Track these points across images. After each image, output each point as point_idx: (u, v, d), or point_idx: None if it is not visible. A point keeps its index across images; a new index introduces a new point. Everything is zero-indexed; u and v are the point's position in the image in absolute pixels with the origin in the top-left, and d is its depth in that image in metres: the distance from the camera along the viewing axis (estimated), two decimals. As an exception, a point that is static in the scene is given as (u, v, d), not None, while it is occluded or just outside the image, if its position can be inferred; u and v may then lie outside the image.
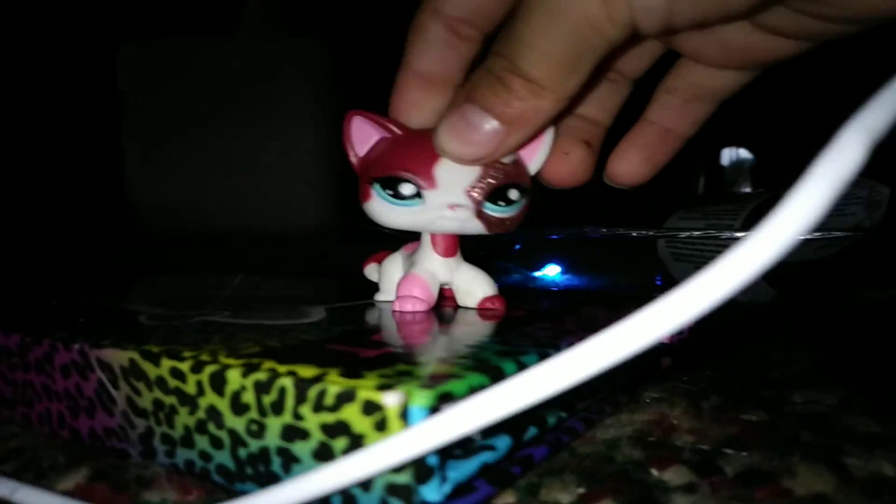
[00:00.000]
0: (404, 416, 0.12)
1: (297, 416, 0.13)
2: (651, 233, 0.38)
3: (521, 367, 0.15)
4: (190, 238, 0.63)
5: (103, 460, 0.16)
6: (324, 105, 0.64)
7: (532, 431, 0.16)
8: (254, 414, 0.14)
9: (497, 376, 0.14)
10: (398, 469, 0.12)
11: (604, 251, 0.42)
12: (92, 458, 0.17)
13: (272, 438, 0.13)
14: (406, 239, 0.23)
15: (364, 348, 0.16)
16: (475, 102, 0.18)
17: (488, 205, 0.20)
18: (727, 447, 0.17)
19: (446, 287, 0.23)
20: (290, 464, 0.13)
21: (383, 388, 0.12)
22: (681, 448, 0.17)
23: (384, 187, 0.20)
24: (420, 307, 0.21)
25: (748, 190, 0.70)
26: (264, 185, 0.64)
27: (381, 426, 0.12)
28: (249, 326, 0.18)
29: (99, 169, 0.70)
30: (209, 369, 0.14)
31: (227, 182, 0.64)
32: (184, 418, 0.15)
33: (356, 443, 0.12)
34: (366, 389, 0.12)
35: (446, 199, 0.20)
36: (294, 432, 0.13)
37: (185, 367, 0.14)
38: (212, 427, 0.14)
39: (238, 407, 0.14)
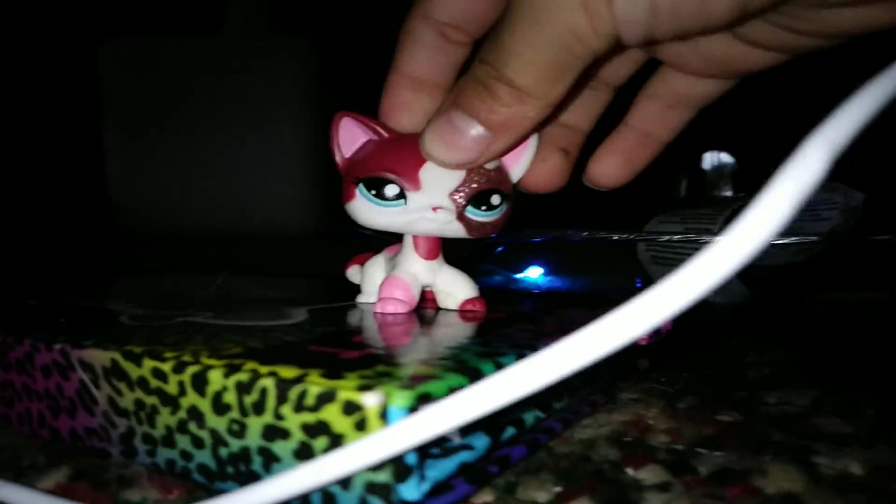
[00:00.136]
0: (384, 416, 0.12)
1: (278, 416, 0.13)
2: (631, 236, 0.38)
3: (500, 367, 0.15)
4: (172, 238, 0.62)
5: (84, 460, 0.16)
6: (308, 104, 0.63)
7: (510, 431, 0.16)
8: (235, 414, 0.14)
9: (476, 377, 0.14)
10: (377, 468, 0.12)
11: (585, 254, 0.43)
12: (72, 457, 0.17)
13: (253, 438, 0.14)
14: (389, 241, 0.23)
15: (345, 350, 0.16)
16: (461, 108, 0.19)
17: (470, 209, 0.21)
18: (701, 447, 0.18)
19: (428, 289, 0.23)
20: (271, 463, 0.13)
21: (363, 388, 0.13)
22: (656, 448, 0.17)
23: (368, 188, 0.20)
24: (401, 309, 0.21)
25: (729, 194, 0.71)
26: (247, 185, 0.64)
27: (361, 426, 0.12)
28: (231, 327, 0.19)
29: (80, 167, 0.70)
30: (191, 370, 0.14)
31: (209, 181, 0.64)
32: (165, 418, 0.15)
33: (336, 442, 0.13)
34: (346, 390, 0.13)
35: (429, 202, 0.20)
36: (275, 432, 0.13)
37: (166, 367, 0.15)
38: (193, 427, 0.14)
39: (219, 407, 0.14)
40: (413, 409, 0.12)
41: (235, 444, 0.14)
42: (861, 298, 0.40)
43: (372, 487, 0.13)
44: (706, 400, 0.21)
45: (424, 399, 0.13)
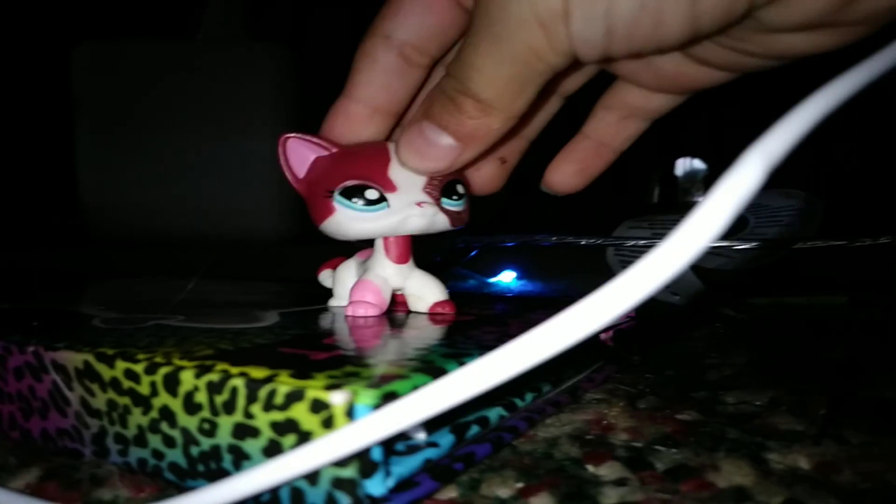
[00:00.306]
0: (350, 414, 0.13)
1: (248, 415, 0.14)
2: (599, 241, 0.39)
3: (464, 368, 0.15)
4: (144, 241, 0.62)
5: (55, 460, 0.17)
6: (282, 110, 0.64)
7: (474, 430, 0.17)
8: (206, 413, 0.14)
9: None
10: (343, 464, 0.13)
11: (556, 258, 0.43)
12: (43, 458, 0.17)
13: (224, 437, 0.14)
14: (360, 246, 0.24)
15: (315, 351, 0.16)
16: (432, 119, 0.19)
17: (445, 200, 0.21)
18: (659, 444, 0.18)
19: (398, 293, 0.23)
20: (241, 461, 0.14)
21: (331, 387, 0.13)
22: (616, 445, 0.18)
23: (347, 197, 0.21)
24: (372, 312, 0.22)
25: (700, 198, 0.73)
26: (220, 190, 0.63)
27: (329, 424, 0.13)
28: (203, 330, 0.19)
29: (53, 171, 0.69)
30: (163, 371, 0.15)
31: (182, 186, 0.64)
32: (137, 418, 0.15)
33: (304, 440, 0.13)
34: (314, 389, 0.13)
35: (411, 198, 0.21)
36: (245, 430, 0.14)
37: (139, 368, 0.15)
38: (165, 426, 0.15)
39: (191, 407, 0.14)
40: (379, 407, 0.13)
41: (206, 443, 0.14)
42: (821, 302, 0.41)
43: (339, 483, 0.13)
44: (667, 400, 0.22)
45: (390, 397, 0.13)
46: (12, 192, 0.70)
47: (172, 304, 0.24)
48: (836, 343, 0.31)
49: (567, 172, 0.24)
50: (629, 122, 0.23)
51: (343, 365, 0.15)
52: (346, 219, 0.21)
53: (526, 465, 0.17)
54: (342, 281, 0.24)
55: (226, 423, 0.14)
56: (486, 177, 0.24)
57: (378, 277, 0.22)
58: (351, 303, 0.22)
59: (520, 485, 0.16)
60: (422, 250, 0.23)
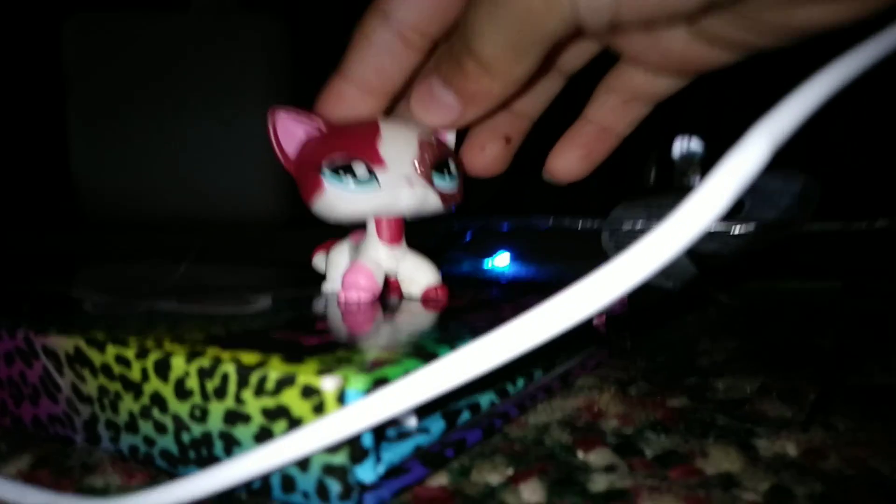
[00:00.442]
0: (341, 399, 0.13)
1: (239, 401, 0.14)
2: (595, 224, 0.39)
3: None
4: (137, 223, 0.62)
5: (47, 447, 0.17)
6: (277, 86, 0.63)
7: (465, 416, 0.17)
8: (197, 399, 0.14)
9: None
10: (334, 450, 0.13)
11: (551, 242, 0.43)
12: (35, 445, 0.17)
13: (215, 423, 0.14)
14: (353, 228, 0.24)
15: (307, 336, 0.16)
16: (439, 75, 0.20)
17: (436, 178, 0.21)
18: (649, 431, 0.18)
19: (392, 276, 0.23)
20: (232, 447, 0.14)
21: (322, 373, 0.13)
22: (606, 432, 0.18)
23: (337, 174, 0.20)
24: (365, 297, 0.22)
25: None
26: (214, 170, 0.63)
27: (320, 409, 0.13)
28: (195, 314, 0.19)
29: (43, 151, 0.68)
30: (154, 356, 0.15)
31: (175, 166, 0.63)
32: (128, 404, 0.15)
33: (295, 426, 0.13)
34: (305, 374, 0.13)
35: (401, 174, 0.20)
36: (236, 416, 0.14)
37: (129, 353, 0.15)
38: (156, 412, 0.15)
39: (182, 392, 0.14)
40: (370, 392, 0.13)
41: (197, 429, 0.14)
42: (814, 288, 0.41)
43: (329, 469, 0.13)
44: (658, 386, 0.22)
45: (382, 383, 0.13)
46: (3, 173, 0.70)
47: (164, 288, 0.23)
48: (827, 329, 0.32)
49: (571, 159, 0.24)
50: (632, 106, 0.23)
51: (335, 350, 0.15)
52: (336, 197, 0.20)
53: (516, 451, 0.17)
54: (335, 264, 0.24)
55: (217, 409, 0.14)
56: (491, 157, 0.24)
57: (370, 261, 0.22)
58: (343, 287, 0.22)
59: (510, 471, 0.16)
60: (415, 233, 0.23)
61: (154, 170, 0.63)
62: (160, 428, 0.15)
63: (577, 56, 0.23)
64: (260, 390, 0.13)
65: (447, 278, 0.23)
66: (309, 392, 0.13)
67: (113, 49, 0.63)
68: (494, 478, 0.16)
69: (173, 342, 0.15)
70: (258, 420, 0.13)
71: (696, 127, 0.73)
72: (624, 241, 0.40)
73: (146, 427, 0.15)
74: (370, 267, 0.22)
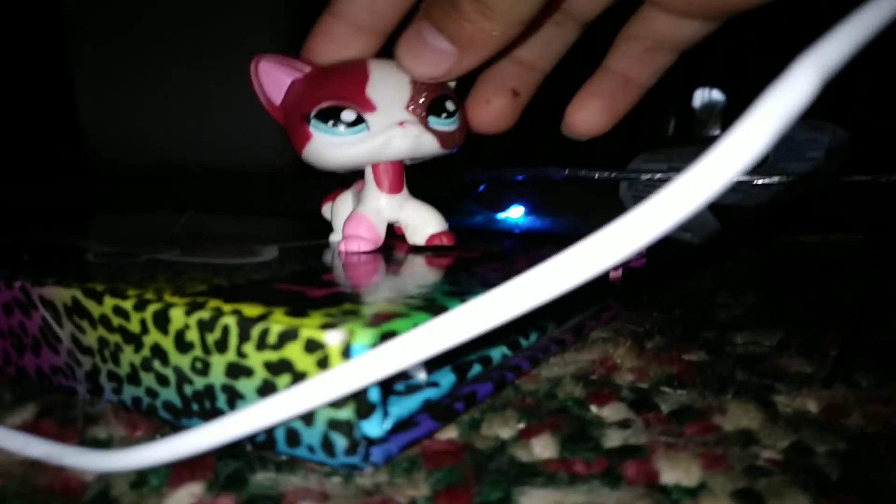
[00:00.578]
0: (346, 354, 0.12)
1: (241, 355, 0.13)
2: (613, 175, 0.38)
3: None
4: (145, 173, 0.61)
5: (51, 398, 0.16)
6: (284, 34, 0.61)
7: (476, 369, 0.16)
8: (198, 352, 0.14)
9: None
10: (340, 404, 0.12)
11: (567, 193, 0.42)
12: (39, 395, 0.17)
13: (217, 376, 0.14)
14: (357, 176, 0.23)
15: (312, 288, 0.16)
16: (430, 21, 0.18)
17: (432, 119, 0.20)
18: (665, 385, 0.18)
19: (396, 224, 0.22)
20: (235, 400, 0.14)
21: (326, 326, 0.13)
22: (620, 386, 0.18)
23: (324, 120, 0.19)
24: (365, 247, 0.21)
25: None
26: (222, 119, 0.62)
27: (324, 364, 0.12)
28: (198, 265, 0.18)
29: (50, 99, 0.67)
30: (152, 308, 0.14)
31: (183, 115, 0.62)
32: (129, 356, 0.15)
33: (299, 380, 0.13)
34: (308, 328, 0.13)
35: (391, 119, 0.19)
36: (238, 370, 0.13)
37: (128, 305, 0.14)
38: (157, 365, 0.14)
39: (182, 345, 0.14)
40: (377, 346, 0.12)
41: (200, 382, 0.14)
42: (839, 241, 0.40)
43: (334, 424, 0.13)
44: (674, 340, 0.22)
45: (389, 337, 0.13)
46: (8, 121, 0.69)
47: (168, 239, 0.23)
48: (850, 283, 0.31)
49: (592, 112, 0.22)
50: (656, 54, 0.22)
51: (341, 302, 0.14)
52: (324, 144, 0.20)
53: (528, 405, 0.17)
54: (339, 214, 0.23)
55: (218, 363, 0.14)
56: (497, 112, 0.22)
57: (371, 210, 0.21)
58: (344, 238, 0.21)
59: (521, 425, 0.15)
60: (427, 184, 0.22)
61: (161, 119, 0.62)
62: (162, 380, 0.14)
63: (593, 2, 0.22)
64: (262, 344, 0.13)
65: (459, 230, 0.23)
66: (313, 346, 0.12)
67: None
68: (505, 432, 0.15)
69: (173, 294, 0.14)
70: (261, 374, 0.13)
71: (718, 78, 0.70)
72: (642, 191, 0.39)
73: (148, 379, 0.15)
74: (370, 216, 0.21)
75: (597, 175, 0.38)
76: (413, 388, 0.15)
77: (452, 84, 0.22)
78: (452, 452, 0.14)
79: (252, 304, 0.14)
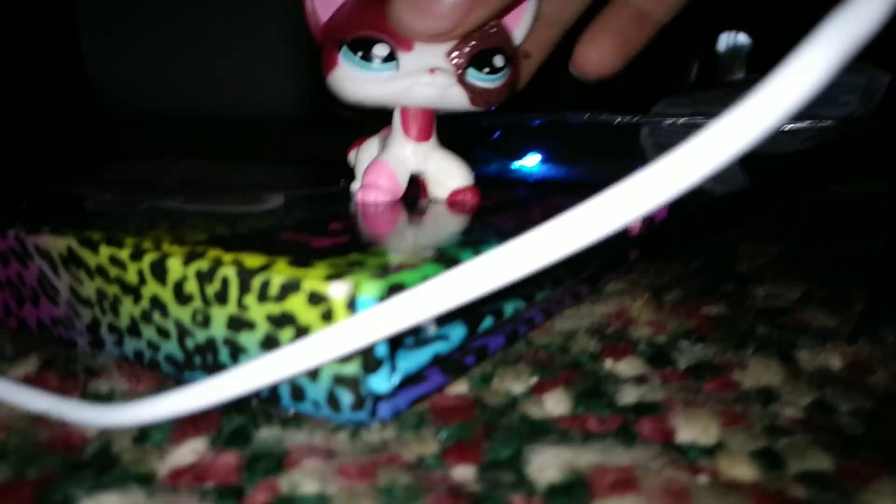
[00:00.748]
0: (352, 307, 0.12)
1: (242, 307, 0.13)
2: (634, 119, 0.37)
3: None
4: (155, 121, 0.60)
5: (52, 350, 0.16)
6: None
7: (488, 322, 0.16)
8: (198, 304, 0.13)
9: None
10: (345, 360, 0.12)
11: (586, 139, 0.41)
12: (41, 347, 0.16)
13: (218, 329, 0.13)
14: (387, 122, 0.21)
15: (318, 237, 0.15)
16: None
17: (472, 71, 0.18)
18: (683, 340, 0.17)
19: (419, 176, 0.21)
20: (238, 354, 0.13)
21: (331, 277, 0.12)
22: (637, 340, 0.17)
23: (354, 50, 0.18)
24: (383, 197, 0.20)
25: (742, 77, 0.68)
26: (230, 66, 0.61)
27: (328, 317, 0.12)
28: (200, 213, 0.18)
29: (55, 47, 0.66)
30: (149, 257, 0.14)
31: (191, 62, 0.61)
32: (128, 308, 0.14)
33: (303, 334, 0.12)
34: (311, 279, 0.12)
35: (425, 63, 0.18)
36: (240, 323, 0.13)
37: (124, 254, 0.14)
38: (157, 317, 0.14)
39: (182, 297, 0.13)
40: (384, 299, 0.12)
41: (201, 335, 0.13)
42: (863, 191, 0.39)
43: (340, 379, 0.12)
44: (693, 292, 0.21)
45: (397, 289, 0.12)
46: (15, 69, 0.68)
47: (170, 187, 0.22)
48: (876, 235, 0.30)
49: (604, 49, 0.20)
50: None
51: (347, 252, 0.14)
52: (346, 76, 0.18)
53: (541, 359, 0.16)
54: (362, 161, 0.22)
55: (219, 315, 0.13)
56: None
57: (394, 158, 0.20)
58: (362, 186, 0.20)
59: (534, 380, 0.15)
60: (439, 131, 0.21)
61: (168, 66, 0.61)
62: (163, 333, 0.14)
63: None
64: (263, 296, 0.12)
65: (475, 179, 0.22)
66: (316, 299, 0.12)
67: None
68: (517, 387, 0.15)
69: (172, 243, 0.14)
70: (263, 327, 0.13)
71: (743, 21, 0.67)
72: (665, 137, 0.37)
73: (149, 331, 0.14)
74: (393, 165, 0.20)
75: (618, 120, 0.37)
76: (422, 342, 0.14)
77: (522, 32, 0.20)
78: (462, 408, 0.14)
79: (253, 254, 0.13)
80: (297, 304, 0.12)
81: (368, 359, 0.12)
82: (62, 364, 0.15)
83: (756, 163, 0.35)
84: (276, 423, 0.13)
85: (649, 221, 0.24)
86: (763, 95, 0.08)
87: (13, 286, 0.16)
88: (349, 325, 0.11)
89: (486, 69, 0.19)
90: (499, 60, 0.19)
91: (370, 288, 0.12)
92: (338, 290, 0.12)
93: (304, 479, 0.11)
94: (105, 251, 0.14)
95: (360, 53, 0.18)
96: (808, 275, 0.23)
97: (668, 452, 0.12)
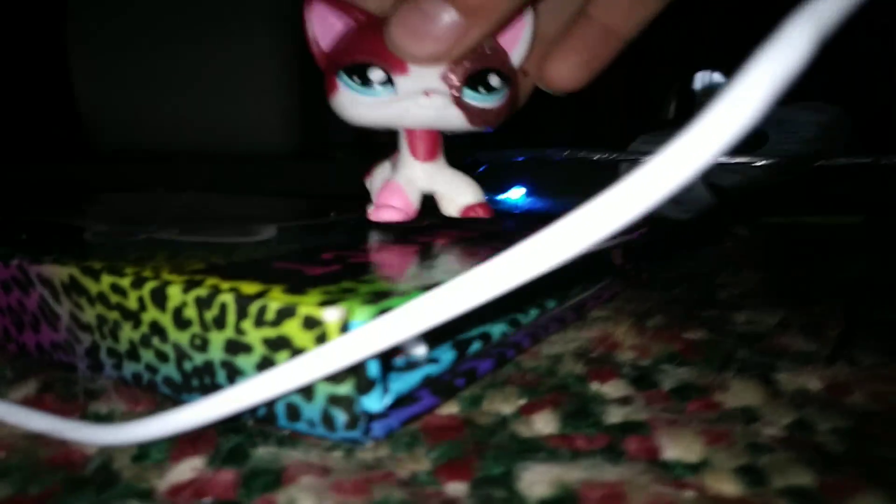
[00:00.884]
0: (345, 331, 0.12)
1: (240, 331, 0.13)
2: (612, 156, 0.38)
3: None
4: (145, 154, 0.61)
5: (52, 373, 0.16)
6: (286, 13, 0.61)
7: (476, 345, 0.16)
8: (197, 329, 0.14)
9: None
10: (339, 380, 0.12)
11: (567, 174, 0.42)
12: (40, 371, 0.17)
13: (216, 352, 0.14)
14: (392, 148, 0.22)
15: (311, 266, 0.16)
16: None
17: (468, 92, 0.19)
18: (666, 363, 0.18)
19: (431, 194, 0.21)
20: (235, 376, 0.13)
21: (325, 304, 0.12)
22: (621, 364, 0.18)
23: (350, 75, 0.18)
24: (397, 217, 0.20)
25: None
26: (221, 100, 0.61)
27: (322, 341, 0.12)
28: (196, 244, 0.18)
29: (46, 78, 0.67)
30: (150, 285, 0.14)
31: (182, 95, 0.62)
32: (128, 333, 0.15)
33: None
34: (306, 305, 0.12)
35: (420, 85, 0.18)
36: (237, 346, 0.13)
37: (125, 282, 0.14)
38: (156, 341, 0.14)
39: (181, 322, 0.14)
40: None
41: (199, 358, 0.14)
42: (838, 222, 0.40)
43: (335, 399, 0.13)
44: (675, 318, 0.22)
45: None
46: (7, 102, 0.68)
47: (167, 218, 0.23)
48: (851, 263, 0.31)
49: (572, 62, 0.21)
50: (639, 3, 0.20)
51: (339, 280, 0.14)
52: (346, 101, 0.19)
53: (529, 381, 0.17)
54: (375, 185, 0.22)
55: (217, 339, 0.13)
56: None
57: (404, 178, 0.20)
58: (375, 207, 0.20)
59: (522, 401, 0.15)
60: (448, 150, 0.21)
61: (159, 99, 0.62)
62: (161, 356, 0.14)
63: None
64: (260, 321, 0.13)
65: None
66: (311, 323, 0.12)
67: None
68: (506, 408, 0.15)
69: (171, 271, 0.14)
70: (260, 350, 0.13)
71: (718, 61, 0.70)
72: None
73: (148, 355, 0.15)
74: (403, 185, 0.20)
75: (597, 156, 0.38)
76: (413, 365, 0.15)
77: (520, 52, 0.20)
78: (453, 427, 0.14)
79: (249, 282, 0.14)
80: (292, 329, 0.13)
81: (361, 379, 0.13)
82: (62, 387, 0.16)
83: (730, 196, 0.36)
84: (272, 442, 0.13)
85: (629, 250, 0.24)
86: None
87: (14, 312, 0.17)
88: (340, 344, 0.12)
89: (482, 89, 0.19)
90: (494, 80, 0.19)
91: (362, 313, 0.12)
92: (332, 315, 0.12)
93: (301, 495, 0.11)
94: (107, 279, 0.15)
95: (356, 77, 0.18)
96: (786, 301, 0.24)
97: (654, 469, 0.12)
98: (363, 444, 0.13)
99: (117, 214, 0.25)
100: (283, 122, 0.61)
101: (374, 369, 0.13)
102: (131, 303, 0.14)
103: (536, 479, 0.12)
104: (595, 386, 0.16)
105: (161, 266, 0.15)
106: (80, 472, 0.12)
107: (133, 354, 0.15)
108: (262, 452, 0.13)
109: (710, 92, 0.72)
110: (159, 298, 0.14)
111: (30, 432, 0.13)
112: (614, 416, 0.15)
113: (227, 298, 0.13)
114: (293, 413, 0.13)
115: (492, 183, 0.44)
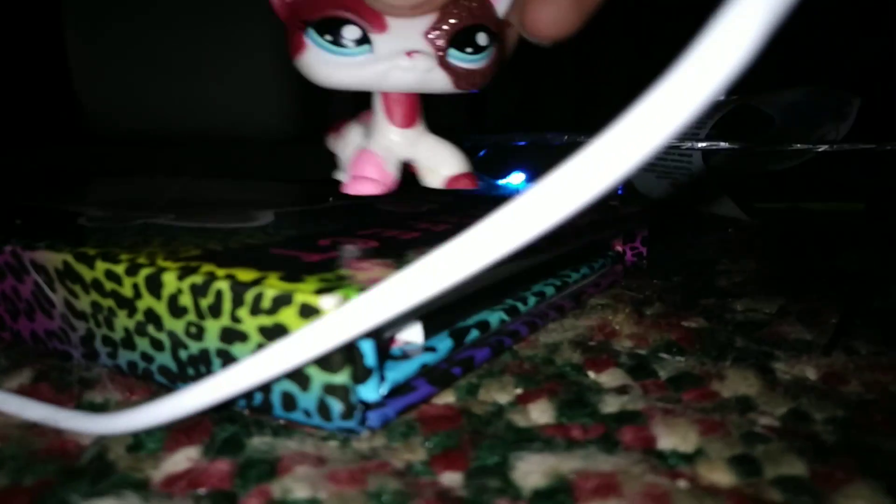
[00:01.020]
0: (341, 319, 0.12)
1: (235, 319, 0.13)
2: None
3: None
4: (141, 139, 0.61)
5: (46, 362, 0.16)
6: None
7: (474, 334, 0.16)
8: (192, 317, 0.14)
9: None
10: (335, 369, 0.12)
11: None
12: (35, 359, 0.17)
13: (211, 340, 0.13)
14: (364, 106, 0.20)
15: (308, 252, 0.15)
16: None
17: (453, 52, 0.17)
18: (664, 352, 0.18)
19: (410, 164, 0.19)
20: (231, 364, 0.13)
21: (321, 291, 0.12)
22: (619, 352, 0.18)
23: (321, 32, 0.16)
24: (375, 190, 0.18)
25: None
26: (218, 85, 0.61)
27: (319, 329, 0.12)
28: (193, 229, 0.18)
29: (43, 63, 0.66)
30: (144, 272, 0.14)
31: (180, 79, 0.61)
32: (123, 321, 0.15)
33: (294, 345, 0.13)
34: (303, 293, 0.12)
35: (401, 45, 0.16)
36: (233, 334, 0.13)
37: (120, 269, 0.14)
38: (151, 329, 0.14)
39: (176, 310, 0.14)
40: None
41: (194, 347, 0.14)
42: (838, 209, 0.40)
43: (331, 389, 0.13)
44: (674, 307, 0.22)
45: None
46: (4, 86, 0.68)
47: (162, 203, 0.23)
48: (850, 252, 0.30)
49: (560, 6, 0.17)
50: None
51: (336, 267, 0.14)
52: (317, 60, 0.16)
53: (526, 370, 0.16)
54: (345, 149, 0.20)
55: (213, 327, 0.13)
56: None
57: (380, 146, 0.18)
58: (351, 179, 0.19)
59: (519, 390, 0.15)
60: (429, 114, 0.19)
61: (157, 83, 0.61)
62: (157, 345, 0.14)
63: None
64: (256, 309, 0.13)
65: (461, 195, 0.22)
66: (307, 311, 0.12)
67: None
68: (502, 397, 0.15)
69: (166, 258, 0.14)
70: (256, 338, 0.13)
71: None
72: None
73: (143, 344, 0.15)
74: (380, 154, 0.18)
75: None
76: (410, 354, 0.15)
77: (503, 6, 0.18)
78: (449, 417, 0.14)
79: (246, 269, 0.13)
80: (288, 316, 0.13)
81: (357, 368, 0.13)
82: (56, 375, 0.16)
83: (735, 182, 0.36)
84: (267, 432, 0.13)
85: (629, 238, 0.24)
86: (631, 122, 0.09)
87: (8, 300, 0.17)
88: (330, 321, 0.11)
89: (469, 49, 0.17)
90: (482, 38, 0.17)
91: (359, 300, 0.12)
92: (328, 303, 0.12)
93: (296, 485, 0.11)
94: (101, 266, 0.14)
95: (328, 37, 0.16)
96: (784, 290, 0.24)
97: (648, 459, 0.12)
98: (359, 433, 0.13)
99: (113, 200, 0.25)
100: (281, 106, 0.61)
101: (370, 358, 0.13)
102: (126, 290, 0.14)
103: (531, 468, 0.12)
104: (592, 375, 0.16)
105: (156, 252, 0.15)
106: (75, 463, 0.12)
107: (128, 343, 0.15)
108: (258, 442, 0.13)
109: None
110: (154, 286, 0.14)
111: (24, 422, 0.13)
112: (610, 405, 0.15)
113: (223, 286, 0.13)
114: (289, 402, 0.13)
115: (492, 168, 0.44)
